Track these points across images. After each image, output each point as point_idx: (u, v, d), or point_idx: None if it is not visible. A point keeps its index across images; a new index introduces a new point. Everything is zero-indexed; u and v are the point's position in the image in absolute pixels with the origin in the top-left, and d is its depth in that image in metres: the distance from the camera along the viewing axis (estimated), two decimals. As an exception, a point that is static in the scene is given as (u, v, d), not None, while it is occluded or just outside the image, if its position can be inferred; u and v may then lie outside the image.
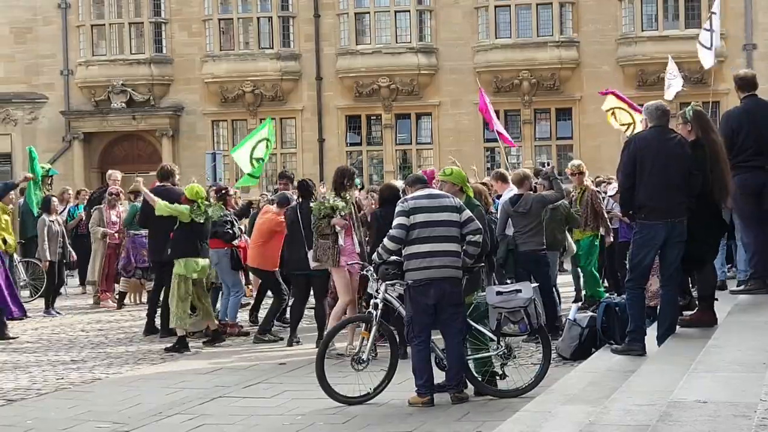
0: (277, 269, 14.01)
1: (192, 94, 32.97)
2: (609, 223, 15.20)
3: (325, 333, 11.19)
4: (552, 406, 7.42)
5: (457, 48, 31.46)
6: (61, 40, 33.22)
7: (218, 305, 14.82)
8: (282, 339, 13.44)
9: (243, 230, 15.46)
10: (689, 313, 9.90)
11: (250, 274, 15.67)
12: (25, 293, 18.97)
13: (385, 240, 9.26)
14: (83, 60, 32.98)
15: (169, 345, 13.00)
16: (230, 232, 14.13)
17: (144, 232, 16.22)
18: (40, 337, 14.68)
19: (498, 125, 21.93)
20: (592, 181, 16.69)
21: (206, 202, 13.40)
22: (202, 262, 13.19)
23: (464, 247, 9.16)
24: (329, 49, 32.22)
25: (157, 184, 14.91)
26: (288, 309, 14.30)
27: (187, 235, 13.08)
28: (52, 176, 21.31)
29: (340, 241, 12.21)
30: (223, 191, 14.86)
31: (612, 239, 15.38)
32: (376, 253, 9.52)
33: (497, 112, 31.56)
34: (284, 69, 32.39)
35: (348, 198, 12.32)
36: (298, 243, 12.73)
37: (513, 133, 31.97)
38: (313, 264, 12.29)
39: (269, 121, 19.23)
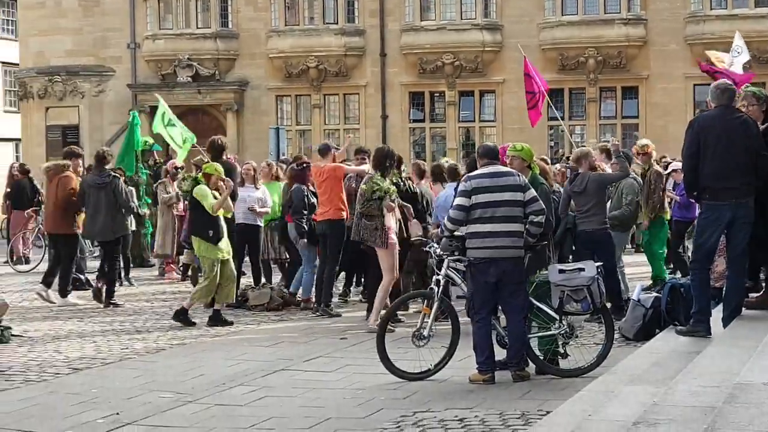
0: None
1: (257, 69, 33.10)
2: (662, 205, 14.90)
3: (387, 309, 11.19)
4: (615, 387, 7.37)
5: (522, 25, 31.21)
6: (128, 13, 33.48)
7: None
8: (340, 315, 13.46)
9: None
10: (755, 295, 9.79)
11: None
12: (93, 264, 19.22)
13: (445, 220, 9.27)
14: (150, 33, 33.24)
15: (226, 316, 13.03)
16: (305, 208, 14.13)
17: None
18: (106, 307, 14.86)
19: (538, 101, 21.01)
20: (658, 162, 16.47)
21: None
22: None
23: (527, 226, 9.11)
24: (394, 25, 32.14)
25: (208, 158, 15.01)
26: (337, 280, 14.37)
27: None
28: (156, 151, 21.41)
29: (388, 222, 12.27)
30: (304, 165, 14.78)
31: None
32: (438, 229, 9.54)
33: (561, 91, 31.46)
34: (348, 44, 32.39)
35: (394, 180, 12.40)
36: None
37: (577, 112, 31.80)
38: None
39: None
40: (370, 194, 12.12)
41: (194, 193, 12.86)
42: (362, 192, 12.24)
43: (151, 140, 21.20)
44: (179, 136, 18.05)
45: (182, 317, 12.90)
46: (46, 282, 15.26)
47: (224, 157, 14.58)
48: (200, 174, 13.15)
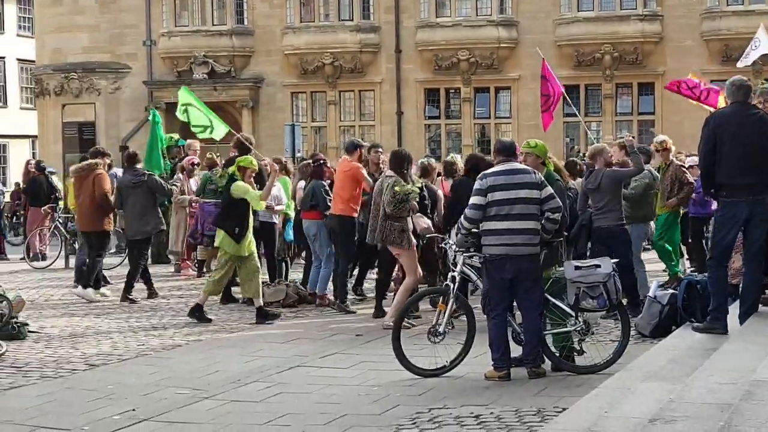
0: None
1: (272, 65, 33.14)
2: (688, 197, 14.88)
3: (402, 306, 11.18)
4: (631, 383, 7.35)
5: (538, 21, 31.15)
6: (144, 10, 33.54)
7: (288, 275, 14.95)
8: (355, 312, 13.47)
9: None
10: (773, 292, 9.75)
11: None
12: (114, 261, 19.30)
13: (462, 219, 9.27)
14: (166, 31, 33.31)
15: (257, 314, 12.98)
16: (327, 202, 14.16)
17: (213, 200, 16.38)
18: (121, 303, 14.90)
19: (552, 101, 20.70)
20: (676, 158, 16.40)
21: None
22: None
23: (543, 223, 9.10)
24: (409, 22, 32.12)
25: (233, 154, 15.08)
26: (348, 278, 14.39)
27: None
28: (180, 146, 21.45)
29: (411, 224, 12.32)
30: (321, 161, 14.81)
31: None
32: (457, 226, 9.55)
33: (577, 87, 31.39)
34: (364, 41, 32.39)
35: (414, 181, 12.45)
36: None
37: (593, 108, 31.71)
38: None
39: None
40: (405, 196, 12.13)
41: (233, 191, 12.86)
42: (394, 194, 12.19)
43: (176, 136, 21.19)
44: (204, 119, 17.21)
45: (198, 314, 12.92)
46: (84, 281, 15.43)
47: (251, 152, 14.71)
48: (233, 169, 13.12)
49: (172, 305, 14.67)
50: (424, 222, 12.73)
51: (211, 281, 13.24)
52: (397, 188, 12.20)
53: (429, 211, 13.06)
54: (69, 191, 17.61)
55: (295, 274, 16.10)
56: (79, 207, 15.59)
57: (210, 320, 12.88)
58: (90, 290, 15.21)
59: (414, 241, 12.35)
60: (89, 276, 15.32)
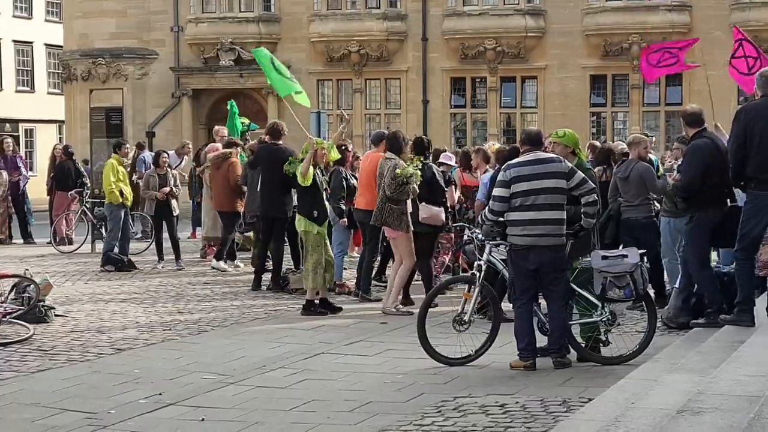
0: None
1: (298, 53, 33.10)
2: None
3: (428, 293, 11.19)
4: (658, 375, 7.33)
5: (566, 10, 30.98)
6: (172, -4, 33.60)
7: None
8: (380, 300, 13.47)
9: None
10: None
11: None
12: (141, 245, 19.38)
13: (486, 211, 9.25)
14: (193, 17, 33.33)
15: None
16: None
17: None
18: (147, 288, 14.98)
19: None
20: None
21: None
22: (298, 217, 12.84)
23: (582, 210, 9.06)
24: (436, 10, 32.02)
25: (267, 140, 15.08)
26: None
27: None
28: (253, 130, 21.53)
29: (410, 208, 12.34)
30: (342, 147, 14.77)
31: None
32: (481, 215, 9.54)
33: (604, 77, 31.24)
34: (390, 29, 32.32)
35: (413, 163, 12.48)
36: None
37: (620, 98, 31.55)
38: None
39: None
40: (406, 179, 12.13)
41: (288, 170, 12.82)
42: (395, 176, 12.19)
43: (247, 120, 21.32)
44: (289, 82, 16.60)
45: (312, 309, 12.47)
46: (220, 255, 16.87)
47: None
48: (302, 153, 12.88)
49: (198, 291, 14.72)
50: (428, 211, 12.72)
51: (307, 270, 12.54)
52: (398, 171, 12.22)
53: (430, 193, 12.90)
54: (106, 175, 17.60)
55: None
56: (215, 190, 16.96)
57: (340, 308, 12.64)
58: (222, 262, 16.69)
59: (411, 226, 12.37)
60: (222, 250, 16.84)
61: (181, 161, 22.31)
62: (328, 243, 12.96)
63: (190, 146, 23.18)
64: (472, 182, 14.58)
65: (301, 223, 12.61)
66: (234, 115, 19.19)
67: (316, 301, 12.53)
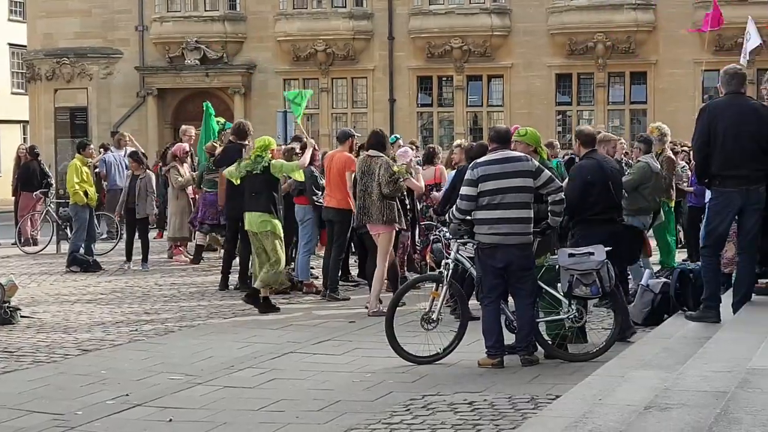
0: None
1: (265, 52, 33.04)
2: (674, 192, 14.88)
3: (395, 292, 11.18)
4: (624, 371, 7.37)
5: (531, 9, 31.10)
6: (136, -5, 33.44)
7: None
8: (349, 299, 13.48)
9: None
10: (765, 281, 9.77)
11: None
12: (106, 246, 19.26)
13: (453, 209, 9.27)
14: (158, 16, 33.18)
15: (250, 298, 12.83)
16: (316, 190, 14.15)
17: (214, 190, 16.36)
18: (114, 289, 14.90)
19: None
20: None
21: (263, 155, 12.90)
22: (258, 215, 12.67)
23: (549, 208, 9.09)
24: (402, 9, 32.05)
25: (233, 140, 15.04)
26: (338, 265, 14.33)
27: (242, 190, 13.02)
28: (227, 129, 21.45)
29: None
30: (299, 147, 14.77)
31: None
32: (448, 213, 9.55)
33: (570, 76, 31.40)
34: (356, 28, 32.31)
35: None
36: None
37: (585, 97, 31.71)
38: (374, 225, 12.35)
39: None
40: (400, 176, 12.25)
41: (276, 170, 12.71)
42: (391, 174, 12.25)
43: (222, 119, 21.18)
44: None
45: (263, 306, 12.62)
46: None
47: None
48: (260, 152, 12.81)
49: (164, 292, 14.65)
50: None
51: (269, 271, 12.60)
52: (395, 168, 12.28)
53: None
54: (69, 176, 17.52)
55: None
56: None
57: (278, 309, 12.66)
58: None
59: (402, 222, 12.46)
60: None
61: (124, 155, 22.19)
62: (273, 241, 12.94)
63: (128, 137, 22.81)
64: (429, 180, 14.64)
65: (269, 224, 12.61)
66: (210, 116, 19.05)
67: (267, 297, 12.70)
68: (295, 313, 12.66)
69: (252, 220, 12.67)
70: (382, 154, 12.44)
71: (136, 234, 17.37)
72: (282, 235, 12.79)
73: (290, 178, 13.71)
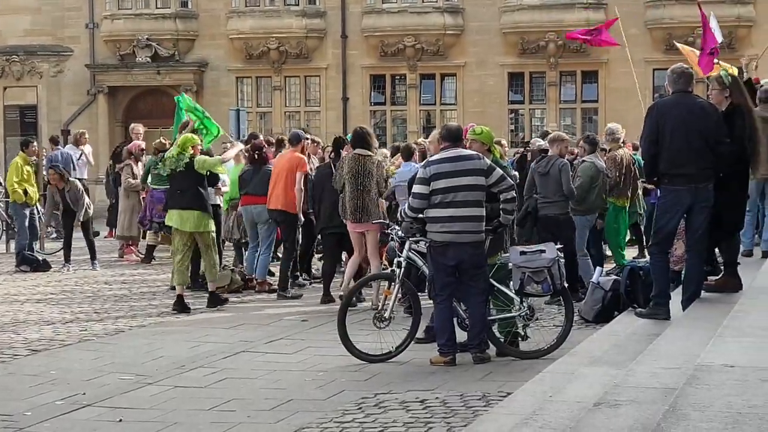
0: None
1: (217, 49, 32.87)
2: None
3: (348, 290, 11.19)
4: (575, 368, 7.42)
5: (483, 8, 31.20)
6: (86, -8, 33.13)
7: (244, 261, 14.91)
8: (301, 296, 13.49)
9: None
10: (714, 278, 9.87)
11: None
12: (55, 245, 19.04)
13: (405, 208, 9.30)
14: (108, 13, 32.89)
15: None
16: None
17: (162, 187, 16.24)
18: (63, 289, 14.76)
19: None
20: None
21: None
22: (186, 213, 12.57)
23: (501, 206, 9.13)
24: (355, 7, 32.02)
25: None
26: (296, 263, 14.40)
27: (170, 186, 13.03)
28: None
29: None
30: (263, 147, 14.70)
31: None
32: (399, 213, 9.57)
33: (522, 74, 31.54)
34: (309, 26, 32.23)
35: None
36: (332, 200, 12.73)
37: (537, 96, 31.87)
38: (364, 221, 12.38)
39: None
40: (388, 174, 12.51)
41: (203, 166, 12.64)
42: (383, 172, 12.50)
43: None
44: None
45: (217, 301, 12.81)
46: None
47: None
48: (181, 150, 12.75)
49: (114, 291, 14.54)
50: None
51: (213, 266, 12.85)
52: (392, 169, 12.44)
53: None
54: (10, 174, 17.42)
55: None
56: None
57: (188, 311, 12.52)
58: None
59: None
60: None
61: (81, 154, 22.00)
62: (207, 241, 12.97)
63: (87, 136, 22.58)
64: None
65: (207, 223, 12.60)
66: (181, 110, 18.77)
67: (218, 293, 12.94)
68: (247, 312, 12.61)
69: (186, 217, 12.55)
70: (368, 153, 12.46)
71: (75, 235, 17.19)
72: (210, 231, 12.80)
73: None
